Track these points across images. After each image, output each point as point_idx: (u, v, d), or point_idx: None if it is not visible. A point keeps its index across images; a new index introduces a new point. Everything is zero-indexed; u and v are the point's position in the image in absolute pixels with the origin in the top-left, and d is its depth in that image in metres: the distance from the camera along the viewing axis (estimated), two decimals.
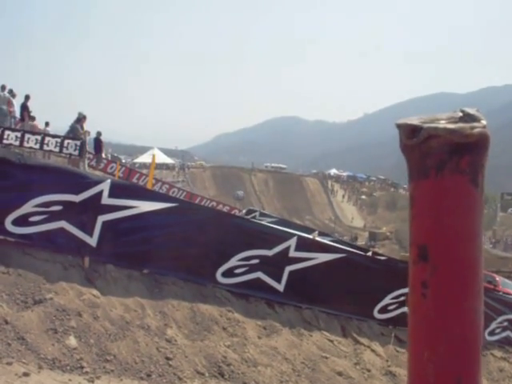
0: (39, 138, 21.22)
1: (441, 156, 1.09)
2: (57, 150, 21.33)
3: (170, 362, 6.65)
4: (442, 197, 1.11)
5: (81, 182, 7.65)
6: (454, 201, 1.11)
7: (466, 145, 1.09)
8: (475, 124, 1.10)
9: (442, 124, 1.11)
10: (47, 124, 27.05)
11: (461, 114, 1.13)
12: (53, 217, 7.35)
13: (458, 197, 1.11)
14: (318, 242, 10.43)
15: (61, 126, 26.63)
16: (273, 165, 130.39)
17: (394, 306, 10.35)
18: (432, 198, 1.13)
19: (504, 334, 12.84)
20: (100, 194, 7.61)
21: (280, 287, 9.23)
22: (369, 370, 8.85)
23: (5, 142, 19.66)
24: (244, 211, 17.88)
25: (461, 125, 1.10)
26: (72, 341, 6.12)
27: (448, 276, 1.12)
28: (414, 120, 1.14)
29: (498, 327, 12.64)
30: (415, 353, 1.18)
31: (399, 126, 1.15)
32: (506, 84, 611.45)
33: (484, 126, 1.10)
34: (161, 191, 27.11)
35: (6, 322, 5.86)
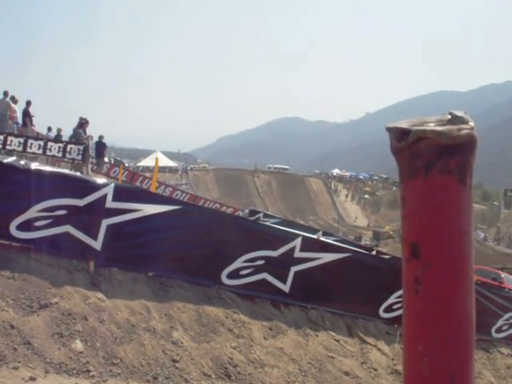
0: (42, 143, 21.27)
1: (430, 157, 1.13)
2: (60, 155, 21.38)
3: (177, 365, 6.65)
4: (432, 196, 1.15)
5: (85, 187, 7.66)
6: (443, 199, 1.14)
7: (454, 146, 1.12)
8: (463, 126, 1.14)
9: (431, 126, 1.14)
10: (49, 129, 27.09)
11: (449, 117, 1.17)
12: (57, 221, 7.36)
13: (447, 196, 1.14)
14: (322, 241, 10.43)
15: (65, 131, 26.66)
16: (275, 166, 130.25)
17: (399, 305, 10.33)
18: (422, 197, 1.16)
19: (511, 331, 12.81)
20: (104, 197, 7.62)
21: (285, 288, 9.23)
22: (375, 369, 8.84)
23: (8, 147, 19.72)
24: (246, 211, 17.81)
25: (449, 127, 1.14)
26: (78, 345, 6.12)
27: (440, 272, 1.15)
28: (404, 123, 1.18)
29: (504, 324, 12.62)
30: (410, 347, 1.21)
31: (389, 130, 1.19)
32: (507, 81, 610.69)
33: (471, 128, 1.14)
34: (164, 194, 27.14)
35: (12, 327, 5.86)
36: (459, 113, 1.17)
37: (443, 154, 1.12)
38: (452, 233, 1.15)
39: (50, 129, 27.20)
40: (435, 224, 1.15)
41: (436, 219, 1.15)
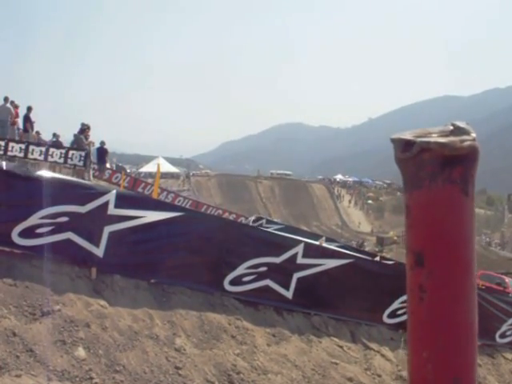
0: (43, 149, 21.31)
1: (433, 168, 1.17)
2: (61, 161, 21.41)
3: (180, 372, 6.63)
4: (435, 206, 1.18)
5: (86, 193, 7.65)
6: (447, 209, 1.18)
7: (457, 157, 1.16)
8: (465, 137, 1.17)
9: (434, 138, 1.17)
10: (54, 135, 27.07)
11: (451, 128, 1.20)
12: (59, 228, 7.35)
13: (450, 205, 1.18)
14: (325, 248, 10.41)
15: (66, 137, 26.69)
16: (278, 172, 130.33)
17: (403, 311, 10.29)
18: (426, 207, 1.20)
19: None
20: (106, 204, 7.61)
21: (288, 294, 9.20)
22: (379, 375, 8.80)
23: (9, 153, 19.75)
24: (252, 218, 17.84)
25: (451, 138, 1.17)
26: (81, 352, 6.10)
27: (443, 280, 1.19)
28: (408, 135, 1.21)
29: (508, 329, 12.56)
30: (415, 353, 1.24)
31: (393, 141, 1.22)
32: (509, 86, 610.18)
33: (473, 139, 1.17)
34: (166, 200, 27.14)
35: (14, 335, 5.85)
36: (461, 124, 1.20)
37: (446, 164, 1.15)
38: (455, 241, 1.18)
39: (54, 135, 27.19)
40: (439, 233, 1.18)
41: (440, 228, 1.18)
